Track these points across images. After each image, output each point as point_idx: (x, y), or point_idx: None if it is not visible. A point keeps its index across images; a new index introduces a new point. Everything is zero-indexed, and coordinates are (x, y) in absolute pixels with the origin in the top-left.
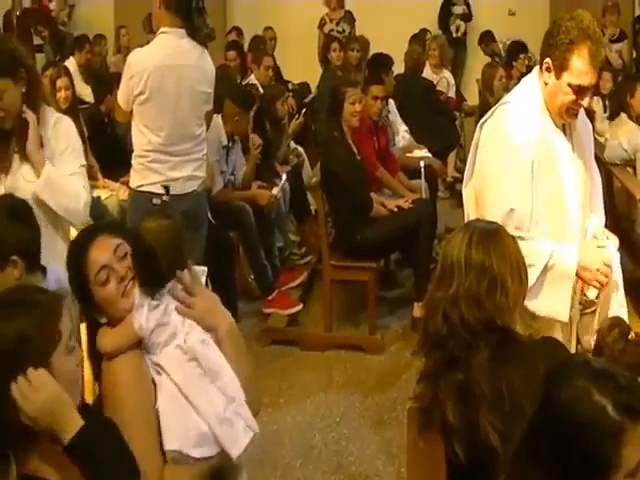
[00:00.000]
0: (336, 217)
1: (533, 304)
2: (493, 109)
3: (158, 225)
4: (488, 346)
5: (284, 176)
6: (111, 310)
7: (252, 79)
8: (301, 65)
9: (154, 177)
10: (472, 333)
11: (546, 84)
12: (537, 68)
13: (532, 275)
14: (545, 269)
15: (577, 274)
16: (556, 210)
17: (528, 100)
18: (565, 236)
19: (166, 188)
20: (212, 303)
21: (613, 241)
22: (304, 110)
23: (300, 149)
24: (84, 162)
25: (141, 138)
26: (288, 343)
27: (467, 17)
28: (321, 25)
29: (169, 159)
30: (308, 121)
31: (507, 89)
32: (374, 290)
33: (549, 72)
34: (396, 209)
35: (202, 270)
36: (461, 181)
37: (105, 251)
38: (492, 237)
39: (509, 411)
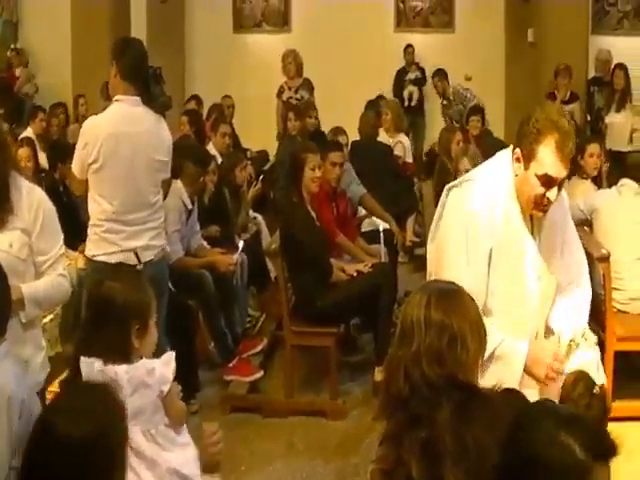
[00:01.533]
0: (296, 283)
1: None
2: (461, 179)
3: (117, 279)
4: (451, 402)
5: (241, 243)
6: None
7: (210, 148)
8: (260, 133)
9: (108, 247)
10: (434, 390)
11: (516, 175)
12: (509, 150)
13: None
14: (491, 357)
15: (527, 369)
16: (511, 297)
17: (498, 181)
18: (518, 326)
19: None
20: None
21: (591, 341)
22: (261, 177)
23: (259, 217)
24: (61, 239)
25: (96, 207)
26: (249, 410)
27: (420, 82)
28: (279, 93)
29: (124, 229)
30: (267, 188)
31: (465, 153)
32: (335, 355)
33: (519, 162)
34: (356, 274)
35: (170, 357)
36: (420, 246)
37: None
38: (451, 297)
39: (475, 464)
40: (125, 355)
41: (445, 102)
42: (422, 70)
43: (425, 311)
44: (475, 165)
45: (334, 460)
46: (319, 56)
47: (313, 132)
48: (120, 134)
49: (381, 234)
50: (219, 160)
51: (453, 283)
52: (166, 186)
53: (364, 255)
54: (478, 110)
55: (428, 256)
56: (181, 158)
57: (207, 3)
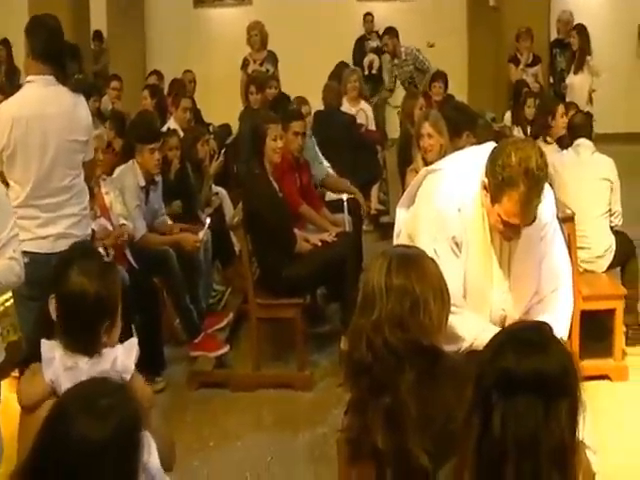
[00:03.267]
0: (260, 255)
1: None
2: (437, 166)
3: (87, 273)
4: (414, 367)
5: (207, 220)
6: None
7: (172, 123)
8: (223, 107)
9: (23, 234)
10: (397, 356)
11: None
12: (487, 149)
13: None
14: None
15: None
16: (474, 291)
17: (469, 182)
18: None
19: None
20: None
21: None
22: (224, 150)
23: (223, 191)
24: (12, 222)
25: (11, 194)
26: (217, 386)
27: (381, 51)
28: (244, 66)
29: (38, 215)
30: (229, 162)
31: (427, 117)
32: (301, 326)
33: (485, 190)
34: (320, 243)
35: (132, 344)
36: (385, 213)
37: None
38: (411, 261)
39: (441, 428)
40: (92, 350)
41: (396, 61)
42: (381, 38)
43: (386, 277)
44: (438, 130)
45: (303, 431)
46: (281, 28)
47: (277, 97)
48: (31, 117)
49: (345, 203)
50: (181, 135)
51: (414, 247)
52: (89, 167)
53: (328, 225)
54: (440, 75)
55: (397, 220)
56: (130, 137)
57: None
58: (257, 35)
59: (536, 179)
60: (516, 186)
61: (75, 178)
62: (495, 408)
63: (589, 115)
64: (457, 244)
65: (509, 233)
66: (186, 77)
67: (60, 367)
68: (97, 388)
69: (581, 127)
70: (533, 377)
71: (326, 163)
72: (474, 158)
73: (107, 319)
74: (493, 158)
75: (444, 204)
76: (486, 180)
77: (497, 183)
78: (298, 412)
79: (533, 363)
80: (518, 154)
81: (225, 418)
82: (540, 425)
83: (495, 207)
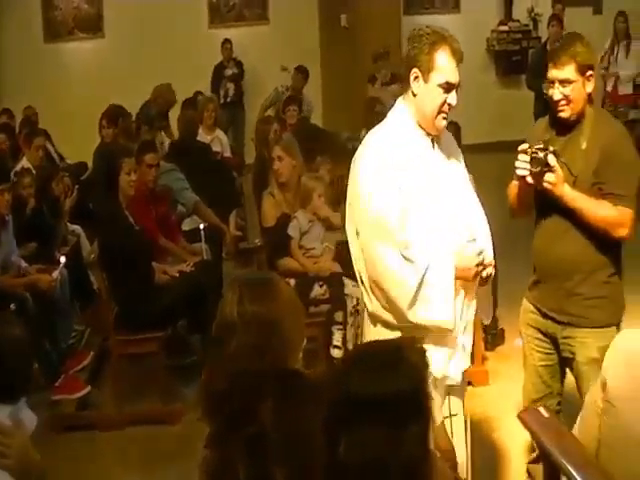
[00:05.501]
0: (118, 291)
1: (420, 318)
2: (364, 139)
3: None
4: (273, 394)
5: (62, 258)
6: None
7: (25, 162)
8: (79, 142)
9: None
10: (254, 385)
11: (415, 95)
12: (401, 98)
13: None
14: (422, 282)
15: (457, 277)
16: (431, 227)
17: (397, 122)
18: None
19: None
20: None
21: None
22: (77, 186)
23: (79, 229)
24: None
25: None
26: (81, 428)
27: (238, 77)
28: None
29: None
30: (84, 198)
31: (278, 141)
32: (163, 360)
33: (417, 81)
34: (178, 274)
35: None
36: (242, 240)
37: None
38: (262, 286)
39: (304, 453)
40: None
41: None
42: (240, 65)
43: (238, 306)
44: (289, 152)
45: (172, 466)
46: (135, 60)
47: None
48: None
49: (202, 232)
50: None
51: (264, 272)
52: None
53: (186, 254)
54: (294, 99)
55: (349, 235)
56: None
57: (15, 14)
58: None
59: (454, 37)
60: (443, 42)
61: None
62: (341, 433)
63: (457, 126)
64: (401, 184)
65: (448, 106)
66: (27, 113)
67: None
68: None
69: None
70: (379, 400)
71: None
72: (393, 114)
73: None
74: (412, 47)
75: (380, 146)
76: (415, 69)
77: (427, 52)
78: (166, 447)
79: (379, 386)
80: (430, 27)
81: (93, 460)
82: (388, 450)
83: (431, 80)
